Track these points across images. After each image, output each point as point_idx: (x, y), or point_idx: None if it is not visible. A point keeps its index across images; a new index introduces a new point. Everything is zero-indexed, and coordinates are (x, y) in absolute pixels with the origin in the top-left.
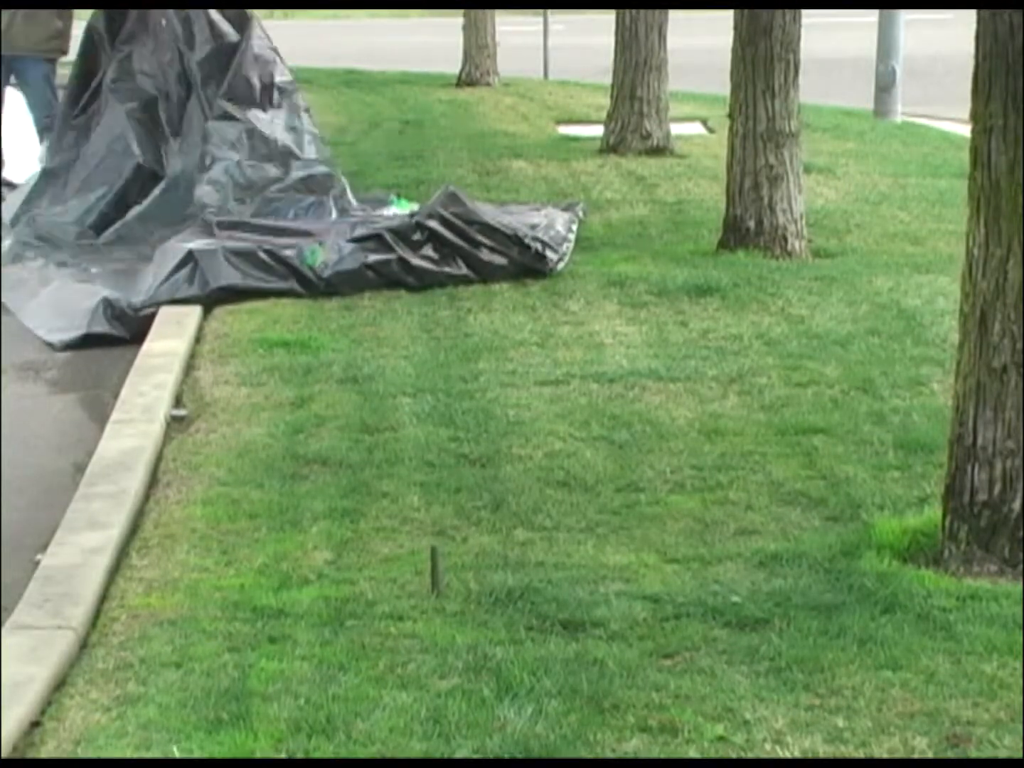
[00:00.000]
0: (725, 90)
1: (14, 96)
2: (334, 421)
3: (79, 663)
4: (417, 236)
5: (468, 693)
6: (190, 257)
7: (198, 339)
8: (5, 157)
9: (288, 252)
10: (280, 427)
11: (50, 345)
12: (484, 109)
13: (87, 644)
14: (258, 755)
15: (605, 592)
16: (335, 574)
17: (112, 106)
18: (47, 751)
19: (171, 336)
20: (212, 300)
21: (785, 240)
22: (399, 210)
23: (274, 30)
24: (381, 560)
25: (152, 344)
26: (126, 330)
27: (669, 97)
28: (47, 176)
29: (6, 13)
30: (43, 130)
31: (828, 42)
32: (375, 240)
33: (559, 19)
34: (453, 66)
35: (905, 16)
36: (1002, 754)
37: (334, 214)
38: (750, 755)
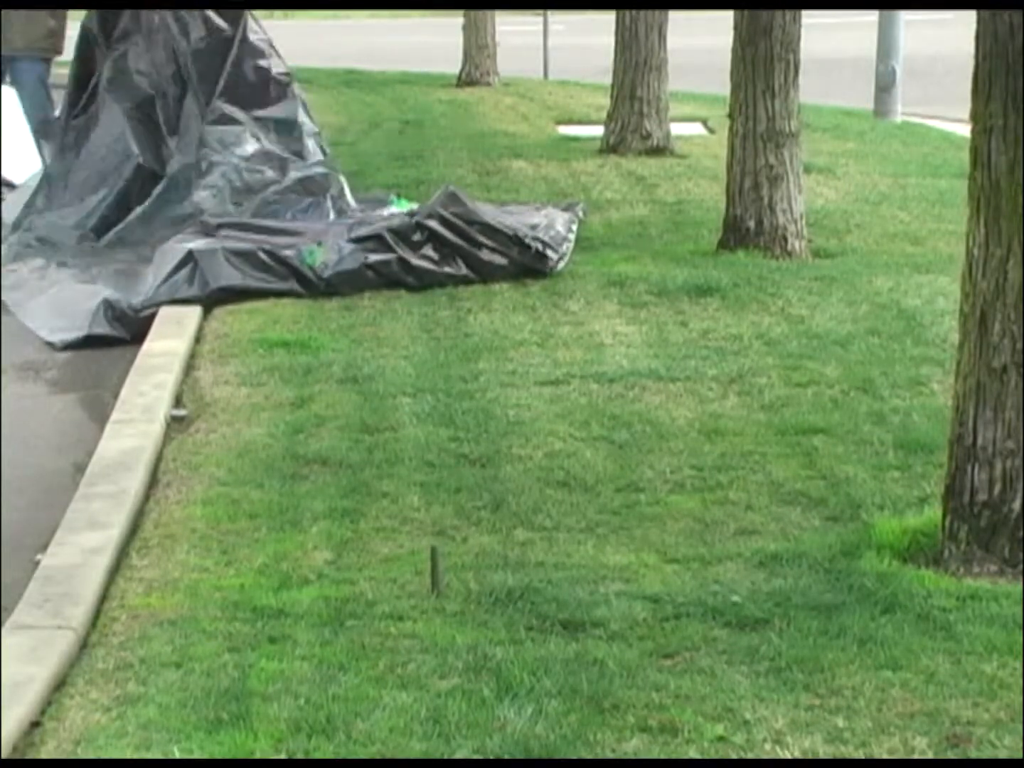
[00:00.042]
0: (725, 90)
1: (11, 96)
2: (334, 421)
3: (79, 663)
4: (417, 236)
5: (468, 693)
6: (190, 257)
7: (198, 339)
8: (5, 157)
9: (288, 252)
10: (280, 427)
11: (51, 345)
12: (484, 109)
13: (87, 644)
14: (258, 755)
15: (605, 592)
16: (335, 574)
17: (109, 106)
18: (47, 751)
19: (171, 336)
20: (212, 300)
21: (785, 240)
22: (398, 209)
23: (274, 30)
24: (381, 560)
25: (152, 344)
26: (127, 331)
27: (669, 97)
28: (48, 179)
29: (4, 13)
30: (38, 131)
31: (828, 42)
32: (375, 240)
33: (559, 19)
34: (453, 66)
35: (905, 16)
36: (1002, 754)
37: (332, 215)
38: (750, 755)
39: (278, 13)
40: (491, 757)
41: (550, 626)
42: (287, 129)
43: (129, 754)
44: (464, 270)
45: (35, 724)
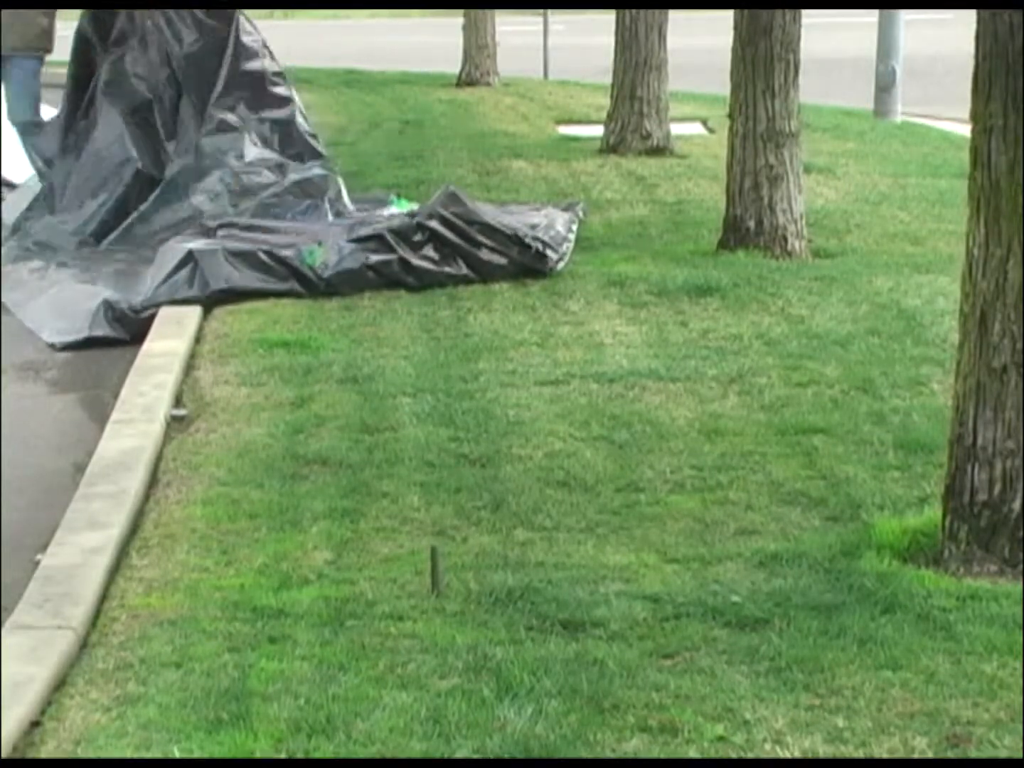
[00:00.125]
0: (725, 90)
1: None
2: (334, 421)
3: (79, 663)
4: (417, 236)
5: (468, 693)
6: (190, 257)
7: (198, 339)
8: (5, 157)
9: (288, 252)
10: (280, 427)
11: (51, 346)
12: (484, 109)
13: (87, 644)
14: (258, 755)
15: (605, 592)
16: (335, 574)
17: (107, 110)
18: (47, 751)
19: (171, 336)
20: (212, 300)
21: (785, 240)
22: (398, 210)
23: (274, 30)
24: (381, 560)
25: (152, 344)
26: (127, 332)
27: (669, 97)
28: (48, 182)
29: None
30: (24, 132)
31: (828, 42)
32: (376, 240)
33: (559, 19)
34: (453, 66)
35: (905, 16)
36: (1002, 754)
37: (330, 217)
38: (750, 755)
39: (278, 13)
40: (491, 757)
41: (550, 626)
42: (283, 131)
43: (129, 754)
44: (464, 270)
45: (35, 724)
